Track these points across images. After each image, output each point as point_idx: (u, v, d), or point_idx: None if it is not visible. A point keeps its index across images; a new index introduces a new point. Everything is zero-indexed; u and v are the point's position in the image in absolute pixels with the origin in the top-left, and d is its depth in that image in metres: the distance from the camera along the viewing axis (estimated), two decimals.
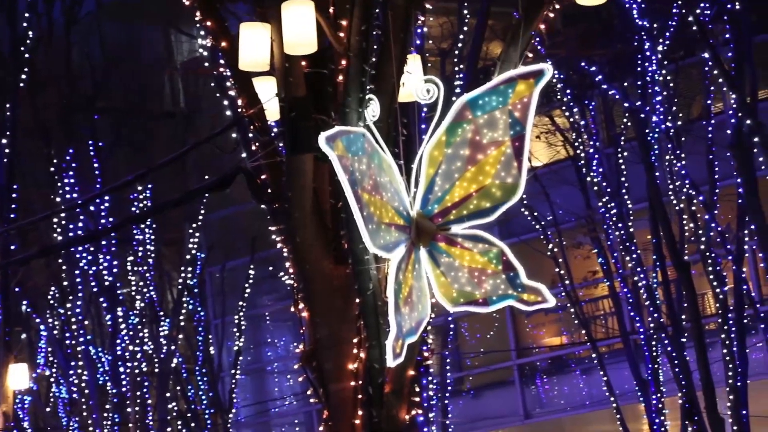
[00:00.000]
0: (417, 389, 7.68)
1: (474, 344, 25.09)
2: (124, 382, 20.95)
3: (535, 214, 19.96)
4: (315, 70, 7.82)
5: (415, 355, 7.46)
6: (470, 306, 6.79)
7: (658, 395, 17.83)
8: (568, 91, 18.78)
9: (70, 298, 21.06)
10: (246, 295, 23.08)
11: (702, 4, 16.29)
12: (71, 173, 20.40)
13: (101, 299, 21.16)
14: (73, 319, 20.94)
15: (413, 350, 7.24)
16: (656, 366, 17.94)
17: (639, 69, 17.31)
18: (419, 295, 6.62)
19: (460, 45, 16.59)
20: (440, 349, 20.83)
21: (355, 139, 6.38)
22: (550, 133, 21.08)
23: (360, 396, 7.41)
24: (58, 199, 20.00)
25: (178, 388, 22.26)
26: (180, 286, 22.62)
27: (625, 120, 18.98)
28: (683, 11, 16.62)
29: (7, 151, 16.80)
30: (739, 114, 15.82)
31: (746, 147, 15.93)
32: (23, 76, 17.76)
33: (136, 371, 21.21)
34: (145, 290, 21.80)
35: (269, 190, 8.11)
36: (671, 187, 17.52)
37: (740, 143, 15.97)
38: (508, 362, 24.49)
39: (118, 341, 21.06)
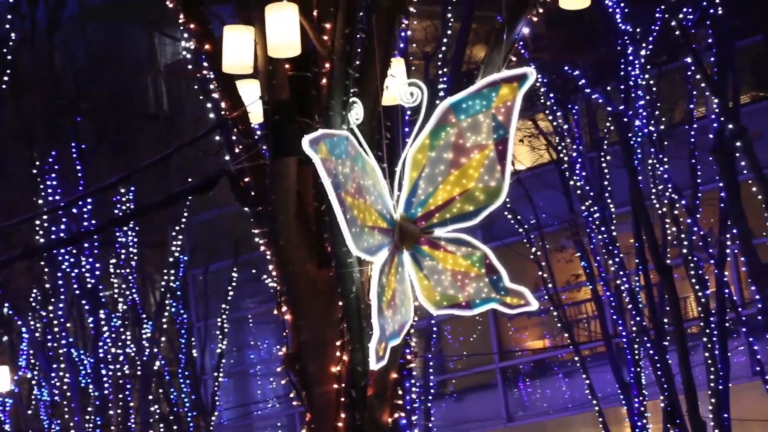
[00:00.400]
0: (400, 392, 7.69)
1: (457, 347, 25.10)
2: (106, 385, 20.89)
3: (519, 217, 20.00)
4: (299, 73, 7.82)
5: (398, 358, 7.47)
6: (453, 309, 6.80)
7: (641, 398, 17.88)
8: (551, 95, 18.81)
9: (52, 300, 20.99)
10: (229, 297, 23.04)
11: (685, 9, 16.34)
12: (54, 175, 20.34)
13: (83, 302, 21.11)
14: (55, 322, 20.88)
15: (396, 353, 7.24)
16: (638, 369, 17.99)
17: (622, 73, 17.36)
18: (402, 298, 6.63)
19: (443, 48, 16.61)
20: (423, 352, 20.84)
21: (339, 142, 6.38)
22: (534, 137, 21.12)
23: (343, 399, 7.41)
24: (40, 201, 19.93)
25: (161, 390, 22.21)
26: (163, 289, 22.58)
27: (608, 124, 19.02)
28: (666, 16, 16.67)
29: None
30: (722, 118, 15.88)
31: (728, 151, 16.00)
32: (6, 78, 17.71)
33: (119, 374, 21.16)
34: (127, 293, 21.75)
35: (253, 193, 8.11)
36: (654, 191, 17.57)
37: (722, 147, 16.04)
38: (490, 365, 24.51)
39: (101, 344, 21.00)
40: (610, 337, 19.28)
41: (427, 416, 20.33)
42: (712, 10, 16.04)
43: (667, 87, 19.71)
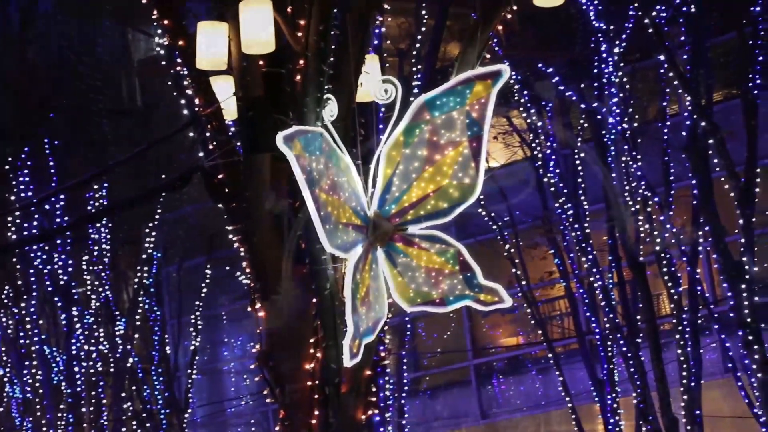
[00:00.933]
0: (374, 389, 7.69)
1: (431, 344, 25.12)
2: (78, 382, 20.80)
3: (492, 214, 20.02)
4: (273, 69, 7.81)
5: (371, 355, 7.47)
6: (427, 306, 6.80)
7: (613, 395, 17.93)
8: (525, 92, 18.84)
9: (25, 297, 20.89)
10: (203, 294, 22.98)
11: (658, 7, 16.39)
12: (26, 171, 20.23)
13: (56, 299, 21.01)
14: (28, 319, 20.77)
15: (370, 350, 7.24)
16: (611, 366, 18.04)
17: (596, 71, 17.40)
18: (376, 295, 6.63)
19: (418, 45, 16.61)
20: (397, 349, 20.84)
21: (313, 139, 6.37)
22: (508, 134, 21.15)
23: (316, 396, 7.40)
24: (12, 198, 19.83)
25: (134, 388, 22.13)
26: (136, 286, 22.49)
27: (581, 121, 19.06)
28: (639, 14, 16.72)
29: None
30: (694, 116, 15.95)
31: (701, 149, 16.07)
32: None
33: (91, 371, 21.07)
34: (100, 290, 21.66)
35: (226, 190, 8.09)
36: (627, 188, 17.61)
37: (695, 145, 16.10)
38: (464, 362, 24.54)
39: (73, 341, 20.91)
40: (584, 334, 19.33)
41: (400, 413, 20.34)
42: (684, 8, 16.10)
43: (640, 84, 19.76)
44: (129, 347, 21.69)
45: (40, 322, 21.17)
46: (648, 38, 16.87)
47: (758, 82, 15.89)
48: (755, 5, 15.86)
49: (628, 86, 17.92)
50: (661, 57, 16.58)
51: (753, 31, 16.05)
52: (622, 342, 17.48)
